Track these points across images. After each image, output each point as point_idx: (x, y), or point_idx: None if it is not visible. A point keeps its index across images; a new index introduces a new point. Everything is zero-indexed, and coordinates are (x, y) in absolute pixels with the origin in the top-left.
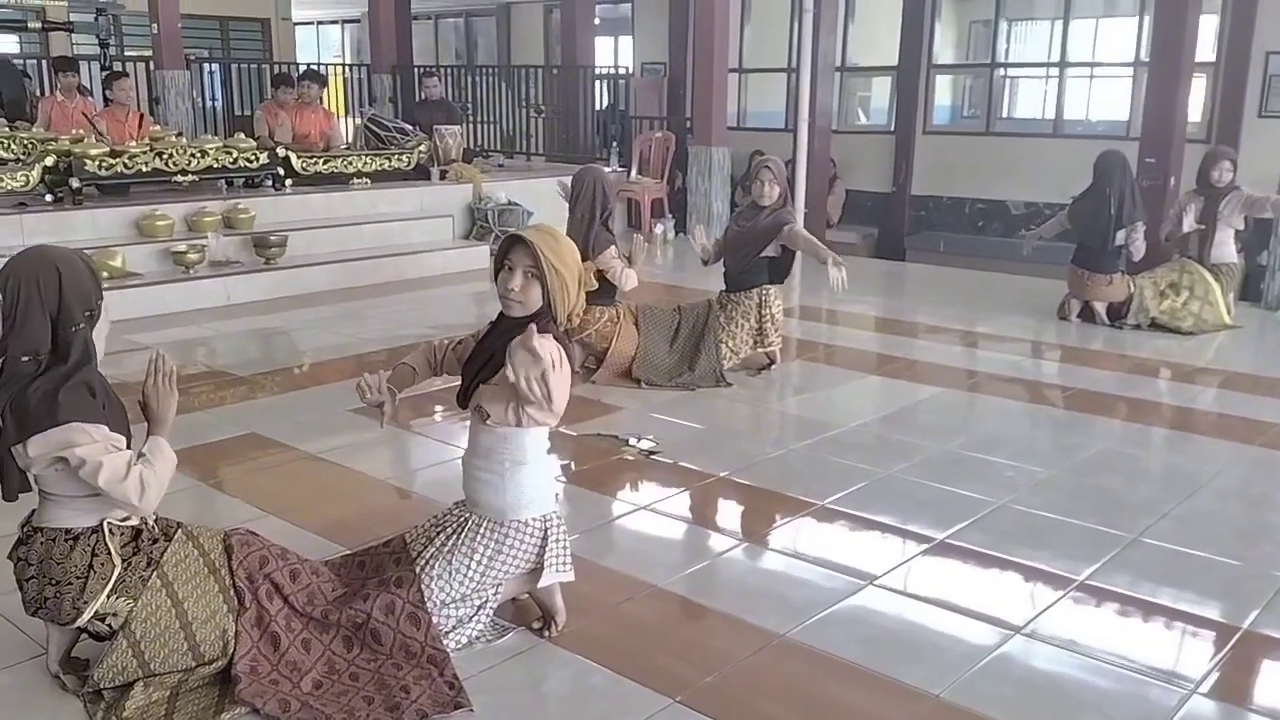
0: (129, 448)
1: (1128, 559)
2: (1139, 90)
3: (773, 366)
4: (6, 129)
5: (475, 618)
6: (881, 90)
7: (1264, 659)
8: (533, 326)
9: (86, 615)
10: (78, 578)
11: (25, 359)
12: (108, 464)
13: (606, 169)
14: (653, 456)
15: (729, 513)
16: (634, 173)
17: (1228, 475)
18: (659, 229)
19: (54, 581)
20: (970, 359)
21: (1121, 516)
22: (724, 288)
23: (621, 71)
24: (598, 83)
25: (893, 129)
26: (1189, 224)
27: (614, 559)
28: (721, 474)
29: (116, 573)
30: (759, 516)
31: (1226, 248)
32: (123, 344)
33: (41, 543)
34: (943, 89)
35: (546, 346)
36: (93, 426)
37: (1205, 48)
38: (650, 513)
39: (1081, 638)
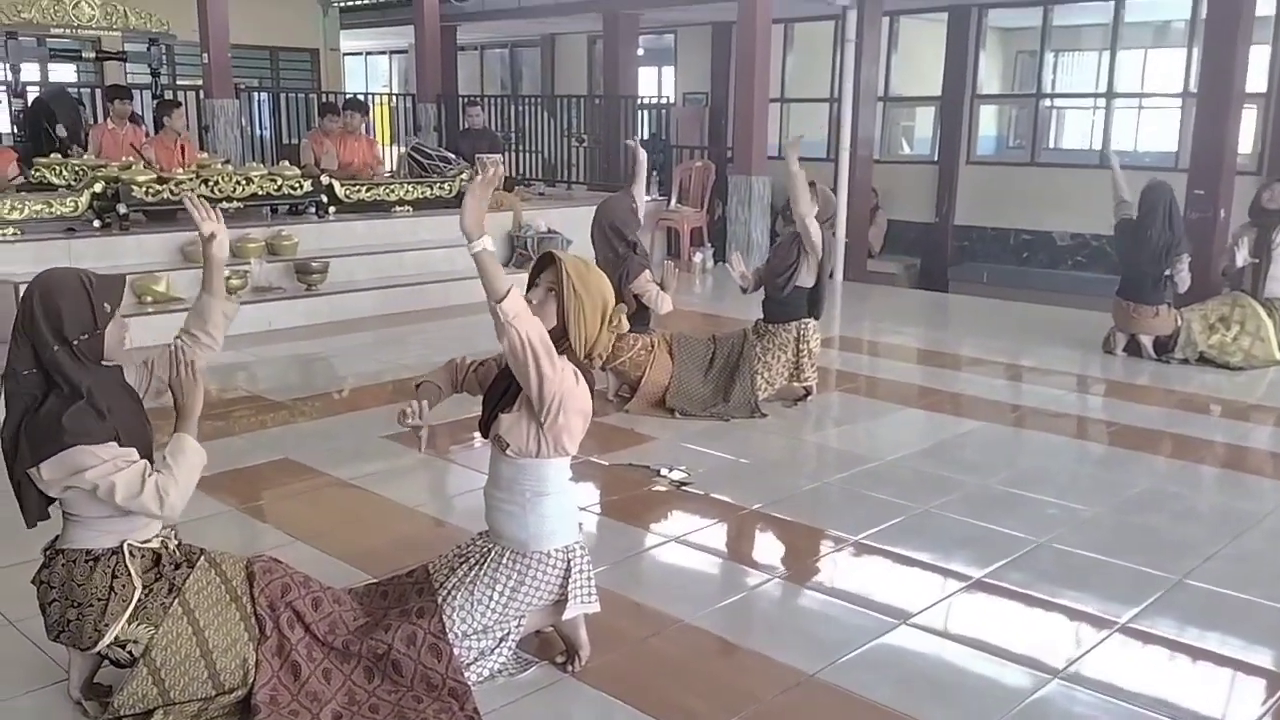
0: (149, 455)
1: (1172, 601)
2: (1188, 121)
3: (809, 398)
4: (59, 156)
5: (498, 650)
6: (925, 120)
7: None
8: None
9: (107, 639)
10: (98, 600)
11: (25, 373)
12: (121, 481)
13: (648, 198)
14: (684, 488)
15: (761, 547)
16: (674, 201)
17: (1277, 516)
18: (698, 258)
19: (75, 604)
20: (1013, 392)
21: (1166, 557)
22: (761, 317)
23: (662, 101)
24: (640, 112)
25: (936, 159)
26: (1243, 258)
27: (642, 592)
28: (754, 507)
29: (137, 595)
30: (791, 551)
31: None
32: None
33: (63, 565)
34: (987, 119)
35: (559, 365)
36: (100, 447)
37: (1257, 78)
38: (680, 545)
39: (1123, 683)
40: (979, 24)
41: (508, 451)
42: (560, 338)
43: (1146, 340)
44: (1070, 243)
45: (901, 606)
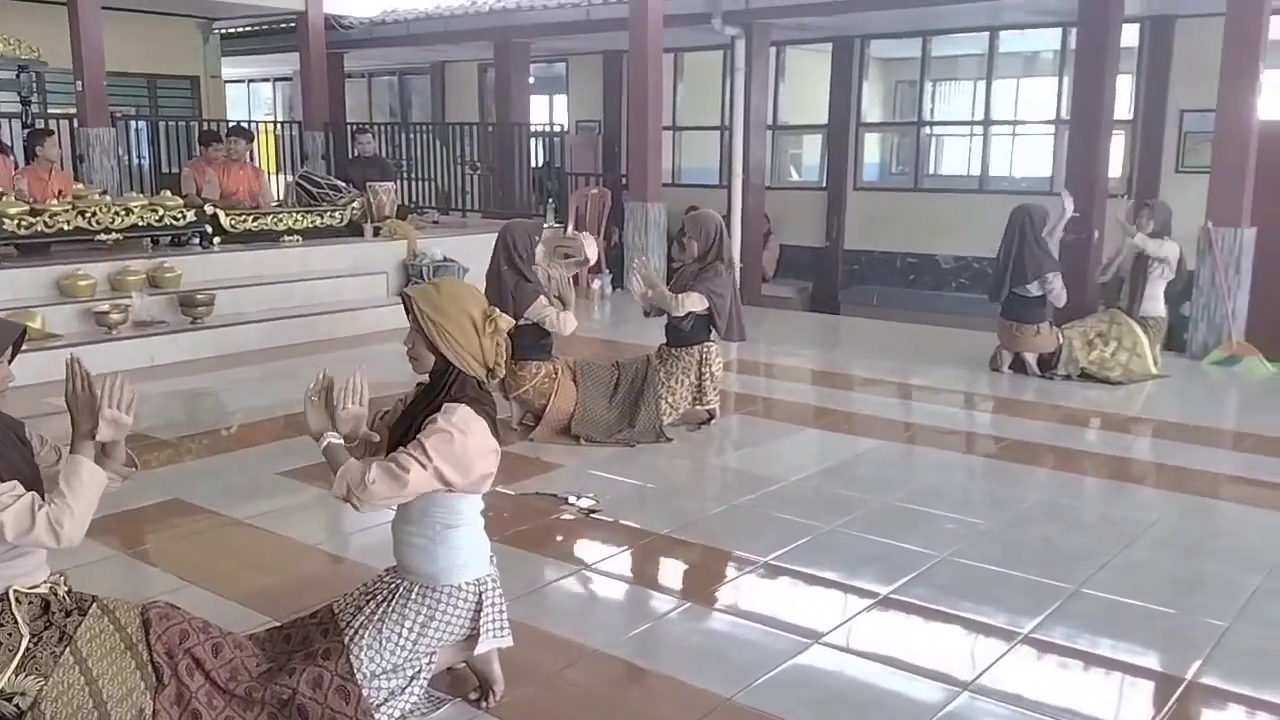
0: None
1: (1070, 610)
2: (1060, 147)
3: (712, 421)
4: None
5: (408, 689)
6: (813, 148)
7: (1207, 710)
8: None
9: None
10: None
11: None
12: (9, 517)
13: (546, 227)
14: (593, 515)
15: (671, 572)
16: (570, 229)
17: (1162, 524)
18: (596, 284)
19: None
20: (906, 411)
21: (1062, 567)
22: (664, 342)
23: (556, 129)
24: (533, 140)
25: (824, 185)
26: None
27: (553, 622)
28: (663, 532)
29: (24, 644)
30: (701, 575)
31: (1156, 302)
32: (44, 407)
33: None
34: (872, 147)
35: (451, 417)
36: None
37: (1122, 106)
38: (591, 573)
39: (1029, 693)
40: (862, 54)
41: None
42: (445, 369)
43: (1031, 358)
44: (954, 265)
45: (812, 626)
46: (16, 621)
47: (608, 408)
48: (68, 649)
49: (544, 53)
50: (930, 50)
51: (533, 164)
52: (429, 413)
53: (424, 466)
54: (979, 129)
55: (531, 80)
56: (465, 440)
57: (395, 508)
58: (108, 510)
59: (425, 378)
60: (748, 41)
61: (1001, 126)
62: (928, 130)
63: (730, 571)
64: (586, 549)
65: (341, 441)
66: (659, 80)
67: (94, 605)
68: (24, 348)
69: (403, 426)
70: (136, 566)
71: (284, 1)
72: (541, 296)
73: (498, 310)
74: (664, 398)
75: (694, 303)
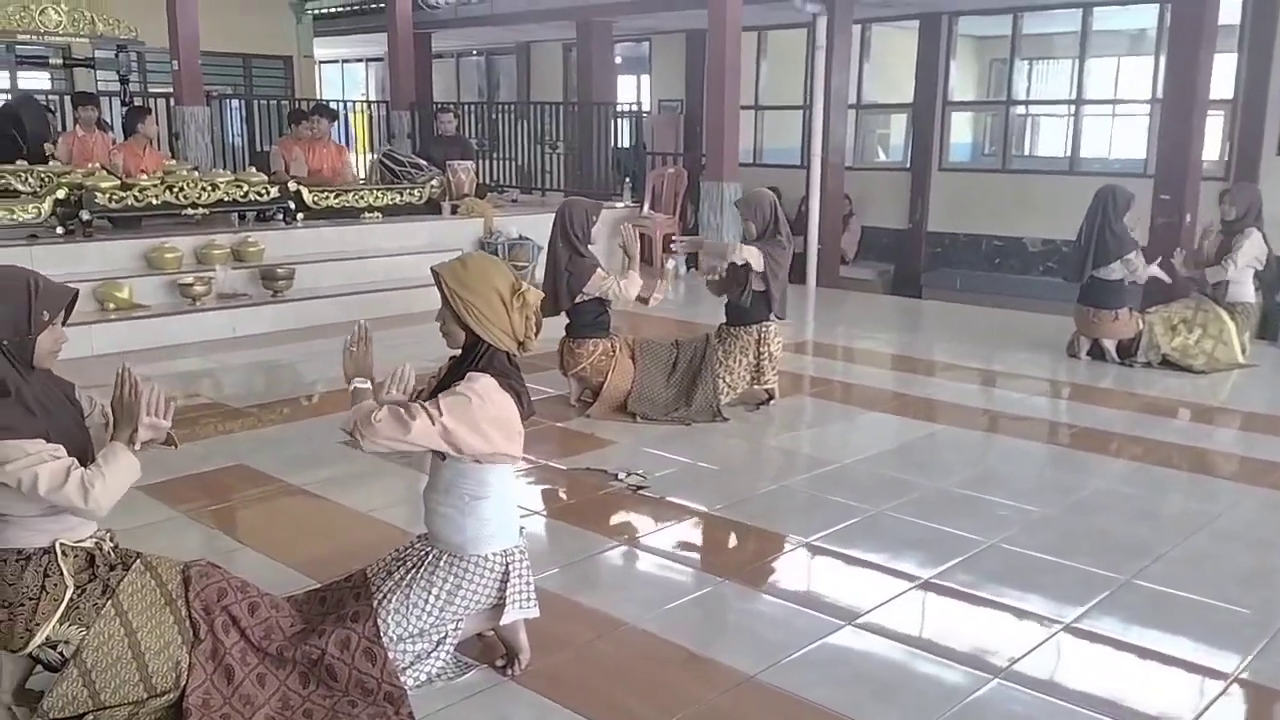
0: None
1: (1119, 601)
2: (1156, 127)
3: (771, 402)
4: (24, 163)
5: (434, 654)
6: (900, 127)
7: (1252, 708)
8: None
9: (38, 639)
10: (30, 599)
11: None
12: (44, 473)
13: (620, 205)
14: (640, 491)
15: (711, 549)
16: (646, 208)
17: (1230, 516)
18: (670, 264)
19: (6, 604)
20: (977, 396)
21: (1116, 558)
22: (724, 321)
23: (634, 108)
24: (616, 120)
25: (909, 166)
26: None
27: (588, 595)
28: (709, 510)
29: (69, 595)
30: (742, 553)
31: (1244, 287)
32: None
33: None
34: (959, 126)
35: (472, 384)
36: (26, 441)
37: (1224, 85)
38: (631, 548)
39: (1065, 682)
40: (950, 32)
41: (445, 459)
42: (476, 343)
43: (1109, 344)
44: (1041, 249)
45: (848, 607)
46: (62, 573)
47: (665, 386)
48: (110, 601)
49: (628, 32)
50: (1021, 27)
51: (615, 144)
52: (456, 383)
53: (431, 420)
54: (1071, 109)
55: (618, 61)
56: (483, 406)
57: (427, 475)
58: (177, 473)
59: (459, 352)
60: (830, 18)
61: (1095, 106)
62: (1020, 110)
63: (771, 551)
64: (630, 524)
65: (369, 387)
66: (737, 58)
67: (137, 561)
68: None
69: (442, 387)
70: (195, 528)
71: None
72: (599, 270)
73: (526, 285)
74: (722, 376)
75: (753, 256)
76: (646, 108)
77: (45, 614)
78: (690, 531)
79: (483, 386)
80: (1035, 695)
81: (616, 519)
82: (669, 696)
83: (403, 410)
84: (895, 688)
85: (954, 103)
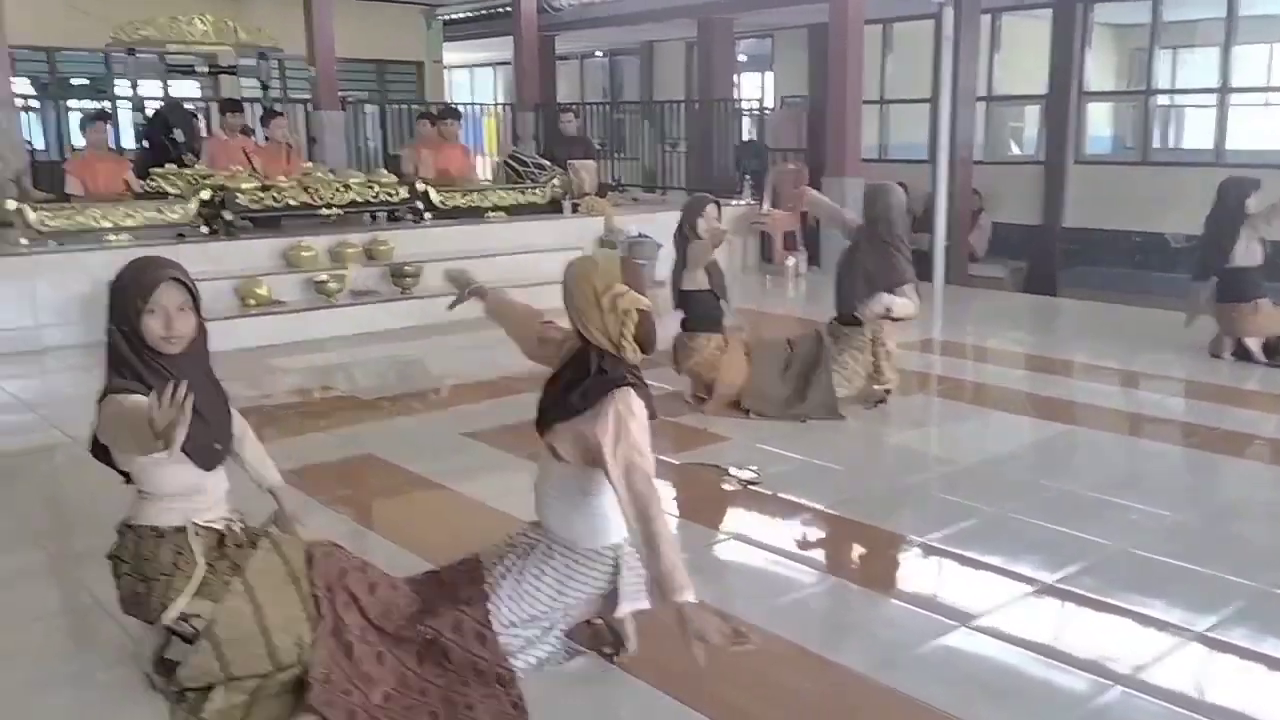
0: (209, 442)
1: (1255, 612)
2: None
3: (889, 399)
4: (174, 166)
5: (544, 639)
6: (1033, 119)
7: None
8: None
9: (171, 613)
10: (164, 575)
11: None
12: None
13: (740, 202)
14: (752, 487)
15: (823, 546)
16: (766, 205)
17: None
18: (790, 261)
19: (144, 578)
20: (1113, 397)
21: (1254, 566)
22: (834, 317)
23: (756, 105)
24: (741, 117)
25: (1042, 159)
26: None
27: (697, 588)
28: (821, 507)
29: (199, 572)
30: (854, 551)
31: None
32: (265, 369)
33: (133, 540)
34: (1097, 118)
35: (629, 405)
36: (121, 396)
37: None
38: (740, 542)
39: (1191, 692)
40: (1085, 20)
41: (560, 460)
42: (600, 363)
43: (1254, 343)
44: (1185, 245)
45: (964, 609)
46: (194, 552)
47: (780, 383)
48: (238, 578)
49: (750, 28)
50: (1162, 14)
51: (736, 141)
52: (584, 381)
53: (642, 465)
54: (1217, 98)
55: (741, 58)
56: (641, 426)
57: (538, 467)
58: (308, 460)
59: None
60: (957, 9)
61: (1244, 96)
62: (1163, 100)
63: (884, 549)
64: (740, 519)
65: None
66: (859, 51)
67: (264, 540)
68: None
69: (555, 393)
70: (323, 511)
71: None
72: (691, 247)
73: (623, 288)
74: (837, 372)
75: (908, 309)
76: (768, 104)
77: (178, 590)
78: (803, 528)
79: (636, 405)
80: (1162, 705)
81: (728, 514)
82: (777, 691)
83: (638, 478)
84: (1011, 691)
85: (1090, 93)
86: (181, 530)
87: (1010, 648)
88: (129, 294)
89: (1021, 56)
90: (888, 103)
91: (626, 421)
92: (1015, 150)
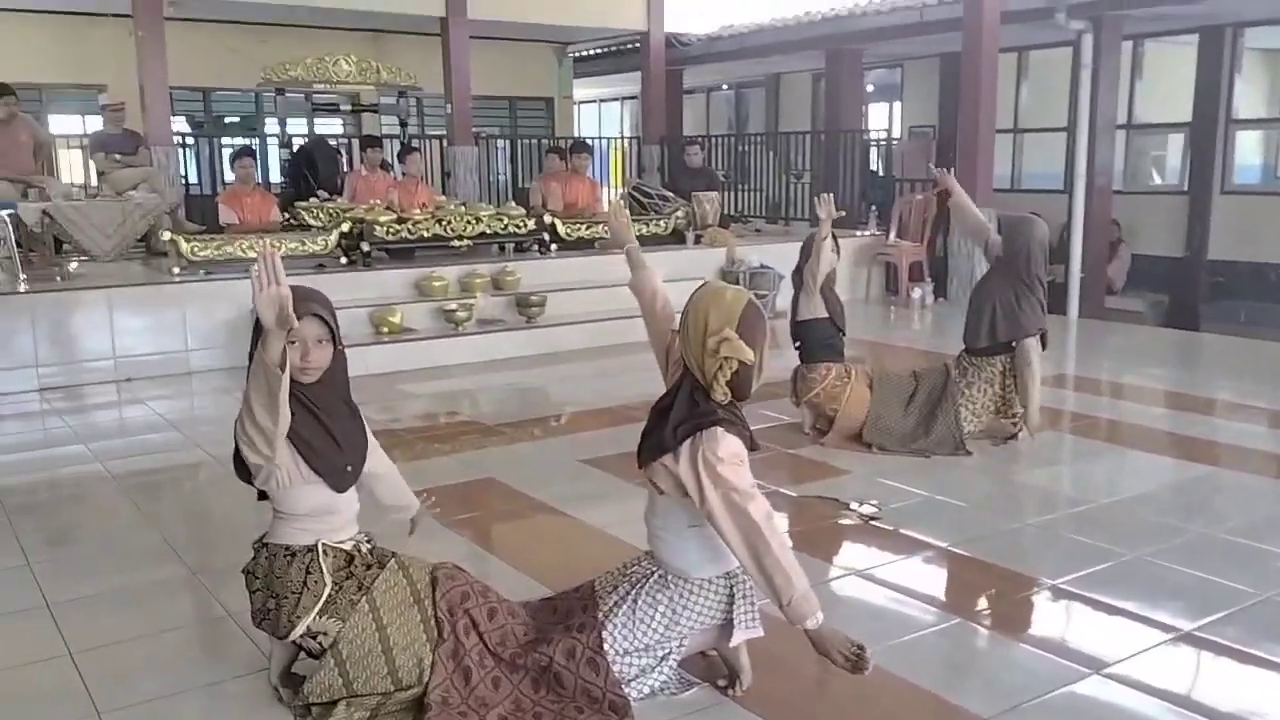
0: (334, 466)
1: None
2: None
3: (1020, 436)
4: (316, 200)
5: (658, 668)
6: (1176, 148)
7: None
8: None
9: (299, 630)
10: (293, 593)
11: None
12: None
13: (864, 233)
14: (873, 522)
15: (946, 585)
16: (892, 235)
17: None
18: (916, 293)
19: (274, 595)
20: (1262, 438)
21: None
22: (964, 349)
23: (881, 135)
24: (863, 148)
25: (1186, 189)
26: None
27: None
28: (945, 544)
29: (327, 591)
30: (979, 592)
31: None
32: (394, 393)
33: (266, 558)
34: (1247, 146)
35: (722, 448)
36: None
37: None
38: (860, 578)
39: None
40: (1234, 45)
41: (663, 493)
42: (698, 397)
43: None
44: None
45: (1096, 655)
46: (322, 571)
47: (903, 416)
48: (365, 598)
49: (879, 58)
50: None
51: (867, 170)
52: (677, 415)
53: (740, 502)
54: None
55: (869, 88)
56: (738, 467)
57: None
58: (430, 483)
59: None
60: (1096, 36)
61: None
62: None
63: (1011, 591)
64: (860, 555)
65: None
66: (993, 80)
67: (392, 560)
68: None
69: (659, 421)
70: (445, 533)
71: (629, 23)
72: (809, 265)
73: (732, 334)
74: (965, 407)
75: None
76: (896, 134)
77: (306, 607)
78: (926, 566)
79: (724, 447)
80: None
81: (847, 549)
82: None
83: (745, 513)
84: None
85: (1239, 121)
86: (312, 550)
87: (1146, 698)
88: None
89: (1165, 83)
90: (1021, 131)
91: (714, 466)
92: (1157, 180)
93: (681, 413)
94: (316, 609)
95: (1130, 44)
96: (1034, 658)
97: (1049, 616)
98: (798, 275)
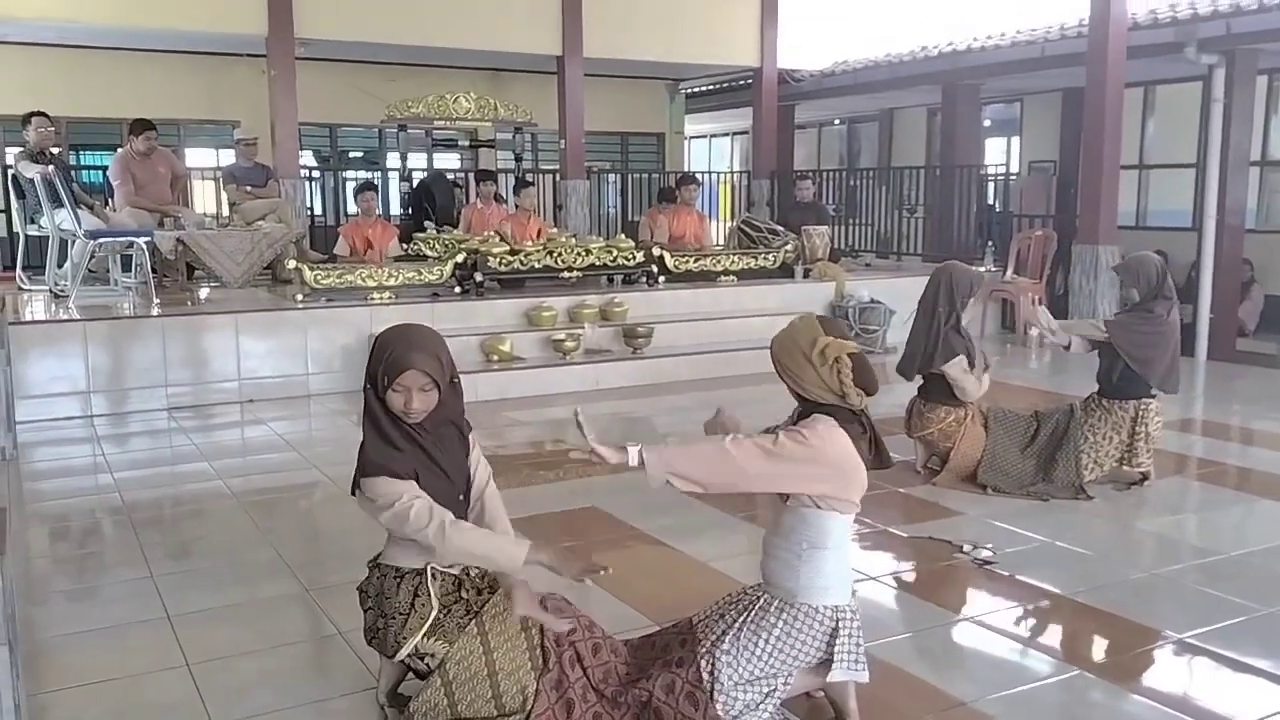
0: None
1: None
2: None
3: (1145, 482)
4: (434, 232)
5: (763, 704)
6: None
7: None
8: None
9: (405, 650)
10: (401, 614)
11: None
12: (412, 514)
13: (981, 268)
14: (987, 566)
15: (1064, 636)
16: (1010, 272)
17: None
18: (1034, 331)
19: (384, 614)
20: None
21: None
22: (1096, 391)
23: (999, 170)
24: (980, 183)
25: None
26: None
27: (924, 668)
28: (1064, 593)
29: (433, 614)
30: (1099, 643)
31: None
32: (505, 420)
33: (378, 577)
34: None
35: (813, 424)
36: (400, 482)
37: None
38: (974, 625)
39: None
40: None
41: (788, 501)
42: (815, 406)
43: None
44: None
45: (1226, 715)
46: (430, 594)
47: (1020, 458)
48: (474, 622)
49: (997, 93)
50: None
51: (983, 206)
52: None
53: (766, 453)
54: None
55: (986, 123)
56: (822, 443)
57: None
58: (537, 510)
59: None
60: (1229, 70)
61: None
62: None
63: (1138, 644)
64: (974, 600)
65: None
66: (1118, 116)
67: (501, 588)
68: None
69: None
70: None
71: (742, 59)
72: (962, 358)
73: (826, 338)
74: (1086, 452)
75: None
76: (1013, 169)
77: (413, 629)
78: (1043, 614)
79: (822, 426)
80: None
81: (959, 593)
82: None
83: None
84: None
85: None
86: (420, 573)
87: None
88: (381, 367)
89: None
90: (1147, 168)
91: (813, 439)
92: None
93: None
94: (423, 631)
95: (1265, 78)
96: (1157, 714)
97: (1174, 671)
98: (936, 310)
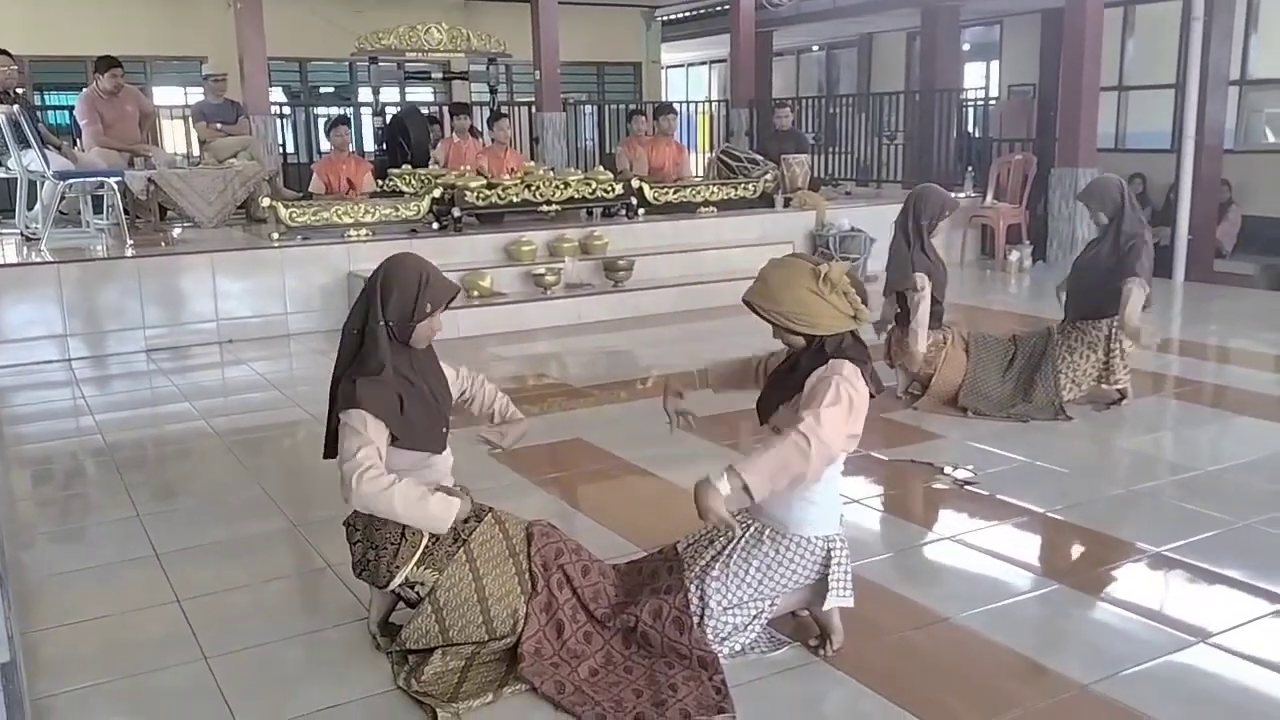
0: (429, 434)
1: None
2: None
3: (1123, 402)
4: (409, 166)
5: (750, 626)
6: None
7: None
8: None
9: (398, 580)
10: (391, 544)
11: (353, 332)
12: (356, 457)
13: (961, 195)
14: (968, 487)
15: (1045, 552)
16: (989, 197)
17: None
18: (1014, 256)
19: (374, 545)
20: None
21: None
22: (1065, 316)
23: (979, 95)
24: (959, 108)
25: None
26: None
27: (907, 586)
28: (1043, 510)
29: (424, 542)
30: (1079, 558)
31: None
32: (488, 356)
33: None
34: None
35: (843, 374)
36: (374, 420)
37: None
38: (955, 543)
39: None
40: None
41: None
42: (820, 345)
43: None
44: None
45: (1201, 624)
46: None
47: (1000, 381)
48: (462, 549)
49: (976, 15)
50: None
51: (961, 131)
52: (813, 359)
53: (825, 439)
54: None
55: (965, 47)
56: (853, 397)
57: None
58: (524, 443)
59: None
60: None
61: None
62: None
63: (1115, 558)
64: (955, 520)
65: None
66: (1097, 35)
67: (489, 515)
68: (474, 303)
69: (783, 378)
70: (536, 491)
71: None
72: (921, 278)
73: (824, 266)
74: (1064, 373)
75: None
76: (993, 94)
77: (404, 558)
78: (1022, 532)
79: (850, 373)
80: None
81: (941, 513)
82: (989, 696)
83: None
84: (1252, 714)
85: None
86: None
87: (1255, 668)
88: (424, 296)
89: None
90: (1127, 89)
91: (849, 395)
92: (1271, 138)
93: (814, 361)
94: (414, 559)
95: None
96: (1136, 625)
97: (1152, 584)
98: (908, 229)
